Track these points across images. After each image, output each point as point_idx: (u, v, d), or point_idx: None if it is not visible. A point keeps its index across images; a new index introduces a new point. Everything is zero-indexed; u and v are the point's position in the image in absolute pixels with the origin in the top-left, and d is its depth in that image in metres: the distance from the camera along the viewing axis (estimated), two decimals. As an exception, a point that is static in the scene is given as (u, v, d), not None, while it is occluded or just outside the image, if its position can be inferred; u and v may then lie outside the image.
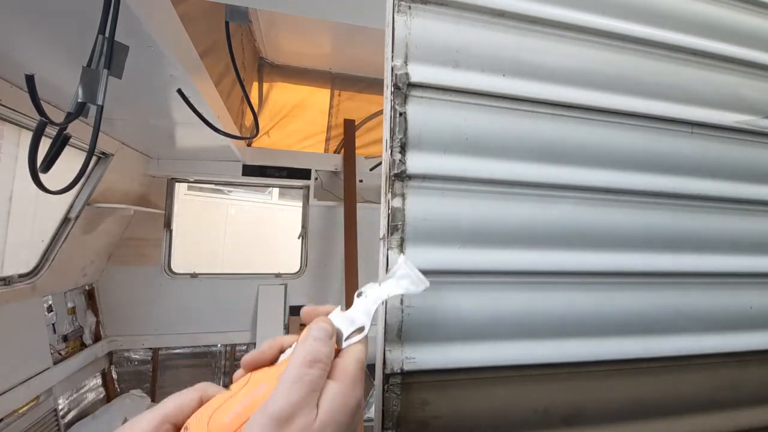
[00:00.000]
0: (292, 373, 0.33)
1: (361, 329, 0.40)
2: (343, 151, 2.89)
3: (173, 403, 0.35)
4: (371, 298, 0.41)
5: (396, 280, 0.43)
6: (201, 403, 0.36)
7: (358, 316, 0.40)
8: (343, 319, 0.40)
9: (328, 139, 2.95)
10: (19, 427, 1.74)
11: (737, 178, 0.64)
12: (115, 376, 2.55)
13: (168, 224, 2.71)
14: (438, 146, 0.51)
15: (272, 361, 0.39)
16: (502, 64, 0.55)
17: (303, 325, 0.41)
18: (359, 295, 0.42)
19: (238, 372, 0.39)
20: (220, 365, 2.80)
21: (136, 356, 2.62)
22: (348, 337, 0.39)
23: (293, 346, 0.37)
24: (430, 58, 0.52)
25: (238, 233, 5.96)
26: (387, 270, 0.46)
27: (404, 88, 0.50)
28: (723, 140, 0.64)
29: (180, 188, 2.96)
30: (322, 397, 0.34)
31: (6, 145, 1.77)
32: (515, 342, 0.52)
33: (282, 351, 0.39)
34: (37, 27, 1.06)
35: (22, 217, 1.93)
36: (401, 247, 0.48)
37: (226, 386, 0.37)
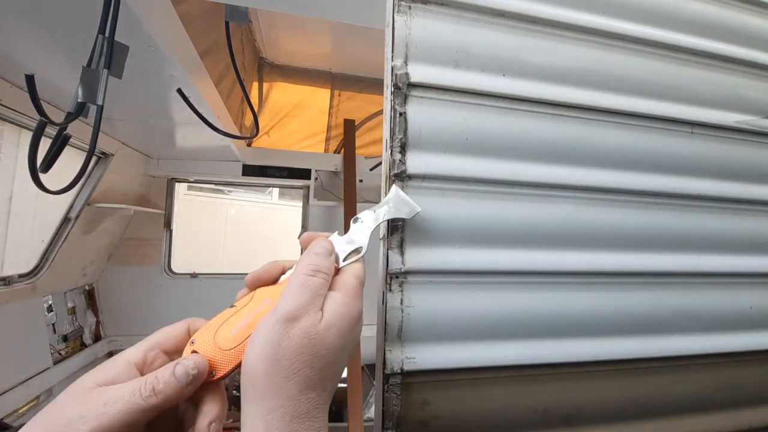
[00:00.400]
0: (296, 281, 0.36)
1: (358, 250, 0.42)
2: (343, 151, 2.88)
3: (161, 332, 0.37)
4: (367, 222, 0.44)
5: (389, 206, 0.46)
6: (189, 333, 0.37)
7: (356, 239, 0.43)
8: (341, 242, 0.42)
9: (328, 139, 2.94)
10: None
11: (737, 178, 0.64)
12: (115, 376, 2.55)
13: (168, 224, 2.70)
14: (438, 146, 0.51)
15: (274, 281, 0.41)
16: (503, 64, 0.55)
17: None
18: (355, 221, 0.44)
19: (241, 291, 0.41)
20: (219, 365, 2.79)
21: (136, 356, 2.61)
22: (346, 258, 0.42)
23: (294, 267, 0.39)
24: (430, 58, 0.52)
25: (238, 233, 5.96)
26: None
27: (404, 88, 0.50)
28: (723, 140, 0.64)
29: (180, 188, 2.95)
30: (326, 303, 0.36)
31: (6, 145, 1.77)
32: (515, 342, 0.52)
33: (283, 272, 0.41)
34: (37, 27, 1.06)
35: (22, 217, 1.93)
36: (401, 247, 0.48)
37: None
